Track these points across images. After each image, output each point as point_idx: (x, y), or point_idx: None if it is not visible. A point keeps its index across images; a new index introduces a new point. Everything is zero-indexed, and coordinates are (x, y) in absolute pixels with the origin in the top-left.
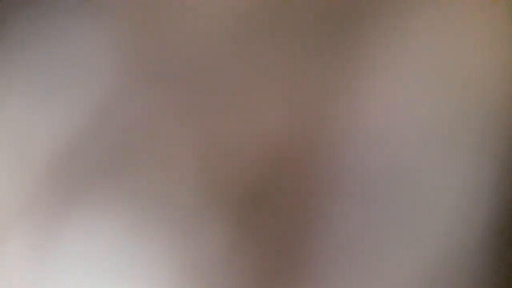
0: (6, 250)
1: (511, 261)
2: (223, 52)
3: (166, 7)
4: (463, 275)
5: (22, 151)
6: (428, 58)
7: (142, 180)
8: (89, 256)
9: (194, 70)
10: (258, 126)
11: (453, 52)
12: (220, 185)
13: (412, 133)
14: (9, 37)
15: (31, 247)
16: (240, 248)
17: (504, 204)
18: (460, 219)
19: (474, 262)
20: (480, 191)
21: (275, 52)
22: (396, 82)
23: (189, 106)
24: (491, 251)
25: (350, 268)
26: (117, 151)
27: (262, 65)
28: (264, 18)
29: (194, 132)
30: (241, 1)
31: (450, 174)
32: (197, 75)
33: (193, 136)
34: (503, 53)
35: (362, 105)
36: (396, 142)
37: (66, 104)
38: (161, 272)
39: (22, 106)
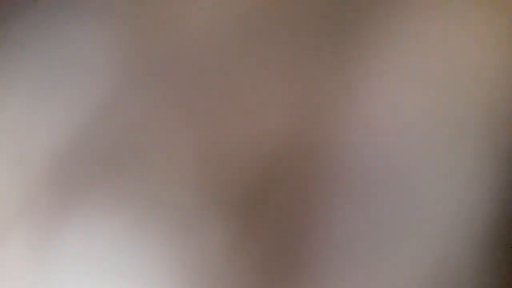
0: (6, 250)
1: (511, 261)
2: (223, 52)
3: (166, 7)
4: (463, 275)
5: (22, 151)
6: (428, 59)
7: (142, 180)
8: (89, 256)
9: (194, 70)
10: (258, 126)
11: (453, 52)
12: (220, 185)
13: (412, 133)
14: (9, 37)
15: (31, 247)
16: (240, 248)
17: (504, 204)
18: (460, 219)
19: (474, 262)
20: (480, 191)
21: (275, 52)
22: (396, 82)
23: (189, 106)
24: (491, 252)
25: (350, 268)
26: (117, 151)
27: (262, 65)
28: (264, 18)
29: (194, 132)
30: (242, 1)
31: (450, 174)
32: (197, 75)
33: (193, 136)
34: (504, 54)
35: (362, 105)
36: (396, 142)
37: (66, 104)
38: (161, 272)
39: (22, 106)
